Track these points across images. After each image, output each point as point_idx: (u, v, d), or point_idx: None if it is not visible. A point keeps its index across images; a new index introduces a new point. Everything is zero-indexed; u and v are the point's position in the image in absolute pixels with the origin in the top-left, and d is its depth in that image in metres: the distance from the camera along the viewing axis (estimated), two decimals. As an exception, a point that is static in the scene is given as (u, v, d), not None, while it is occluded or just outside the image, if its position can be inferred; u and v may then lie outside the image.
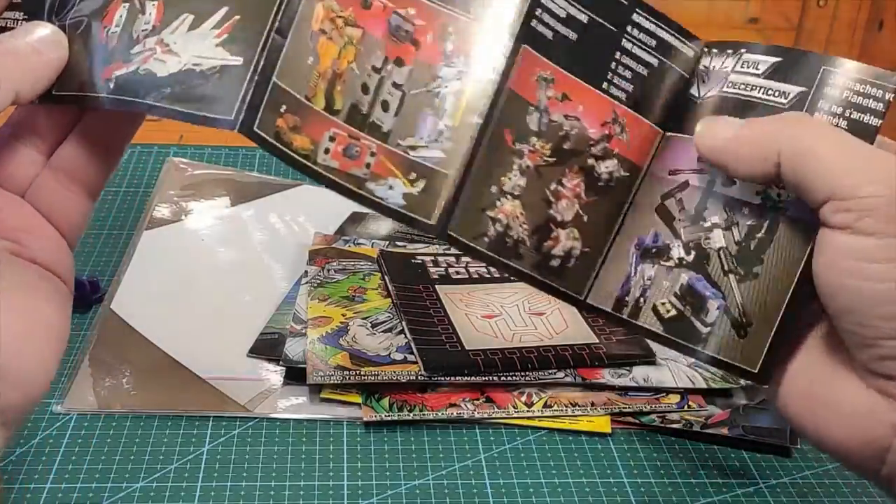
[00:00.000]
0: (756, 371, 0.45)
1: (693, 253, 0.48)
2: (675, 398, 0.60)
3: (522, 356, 0.62)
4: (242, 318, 0.66)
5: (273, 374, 0.61)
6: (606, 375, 0.61)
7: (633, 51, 0.51)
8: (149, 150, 0.88)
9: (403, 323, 0.65)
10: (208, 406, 0.59)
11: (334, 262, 0.72)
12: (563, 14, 0.50)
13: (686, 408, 0.60)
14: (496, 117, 0.50)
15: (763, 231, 0.47)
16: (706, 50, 0.51)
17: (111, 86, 0.48)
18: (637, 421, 0.59)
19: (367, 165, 0.49)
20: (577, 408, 0.59)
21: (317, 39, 0.49)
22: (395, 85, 0.50)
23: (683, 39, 0.51)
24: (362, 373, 0.60)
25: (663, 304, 0.48)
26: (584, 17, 0.51)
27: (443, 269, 0.71)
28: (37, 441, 0.55)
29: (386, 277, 0.70)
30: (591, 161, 0.51)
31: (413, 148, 0.49)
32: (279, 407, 0.59)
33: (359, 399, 0.59)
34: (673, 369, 0.62)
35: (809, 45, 1.39)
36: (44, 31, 0.46)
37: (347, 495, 0.52)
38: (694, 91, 0.51)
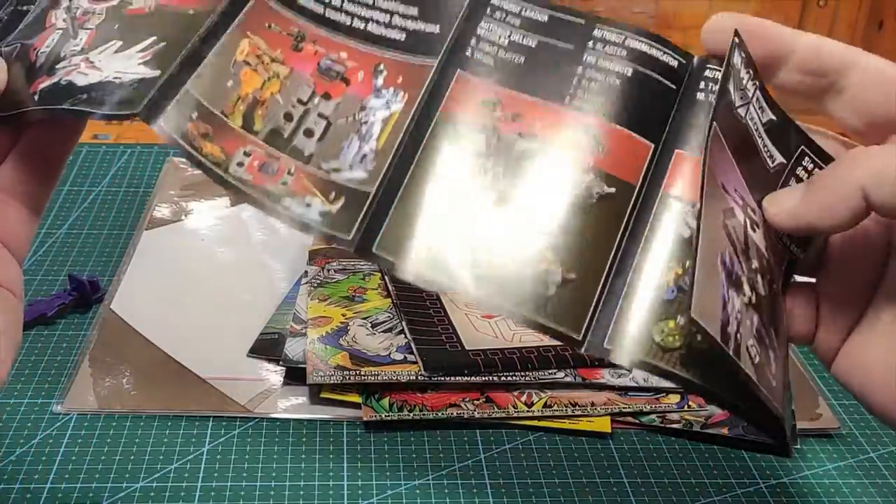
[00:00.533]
0: None
1: (753, 292, 0.43)
2: (675, 398, 0.60)
3: (522, 356, 0.62)
4: (242, 318, 0.66)
5: (273, 374, 0.61)
6: (606, 375, 0.61)
7: (599, 63, 0.49)
8: (149, 150, 0.88)
9: (403, 323, 0.65)
10: (208, 406, 0.59)
11: (334, 262, 0.72)
12: (504, 41, 0.50)
13: (686, 408, 0.60)
14: (427, 140, 0.49)
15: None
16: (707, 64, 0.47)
17: (36, 98, 0.48)
18: (637, 421, 0.59)
19: (284, 183, 0.48)
20: (577, 408, 0.59)
21: (240, 68, 0.50)
22: (321, 115, 0.50)
23: (662, 48, 0.49)
24: (362, 373, 0.60)
25: (751, 346, 0.42)
26: (532, 42, 0.50)
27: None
28: (37, 441, 0.55)
29: (386, 277, 0.70)
30: None
31: (336, 170, 0.49)
32: (279, 407, 0.59)
33: (359, 399, 0.59)
34: (673, 369, 0.62)
35: (809, 45, 1.39)
36: None
37: (347, 495, 0.52)
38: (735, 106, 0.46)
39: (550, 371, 0.61)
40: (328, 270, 0.71)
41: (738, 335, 0.41)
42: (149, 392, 0.59)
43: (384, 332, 0.64)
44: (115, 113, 0.47)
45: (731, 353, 0.40)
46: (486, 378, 0.60)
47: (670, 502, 0.53)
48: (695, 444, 0.58)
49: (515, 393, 0.60)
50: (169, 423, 0.57)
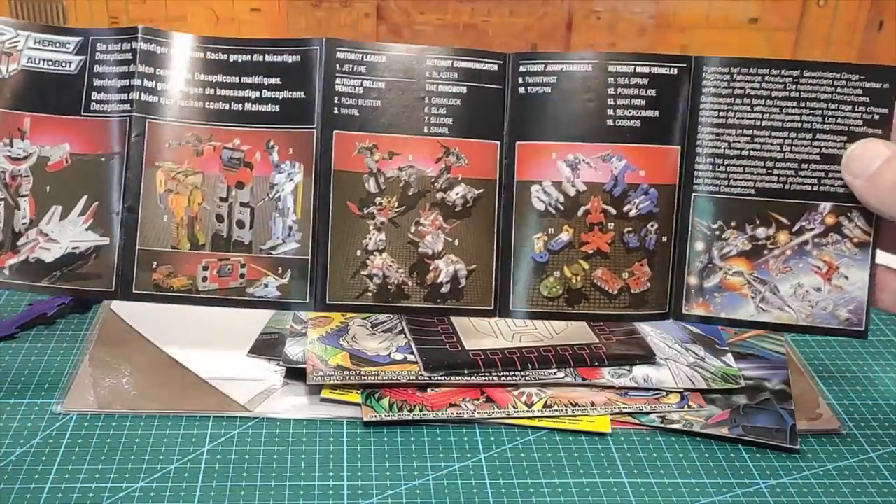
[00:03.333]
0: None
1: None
2: (675, 398, 0.60)
3: (522, 356, 0.62)
4: (242, 318, 0.66)
5: (273, 374, 0.61)
6: (606, 375, 0.61)
7: (440, 89, 0.58)
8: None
9: (403, 323, 0.65)
10: (208, 406, 0.59)
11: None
12: (360, 90, 0.58)
13: (686, 408, 0.60)
14: (334, 197, 0.58)
15: None
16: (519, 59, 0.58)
17: (6, 272, 0.58)
18: (637, 421, 0.59)
19: (242, 276, 0.58)
20: (577, 408, 0.59)
21: (166, 199, 0.58)
22: (243, 204, 0.58)
23: (481, 59, 0.58)
24: (362, 373, 0.60)
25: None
26: (381, 84, 0.58)
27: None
28: (37, 441, 0.55)
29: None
30: (439, 195, 0.58)
31: (274, 248, 0.58)
32: (279, 407, 0.59)
33: (359, 399, 0.59)
34: (673, 369, 0.62)
35: (809, 45, 1.39)
36: None
37: (347, 495, 0.52)
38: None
39: (550, 371, 0.61)
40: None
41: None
42: (149, 392, 0.59)
43: (384, 332, 0.64)
44: (96, 293, 0.58)
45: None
46: (486, 378, 0.60)
47: (670, 502, 0.53)
48: (695, 444, 0.58)
49: (515, 393, 0.60)
50: (169, 423, 0.57)
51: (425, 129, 0.58)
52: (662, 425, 0.59)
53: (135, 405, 0.58)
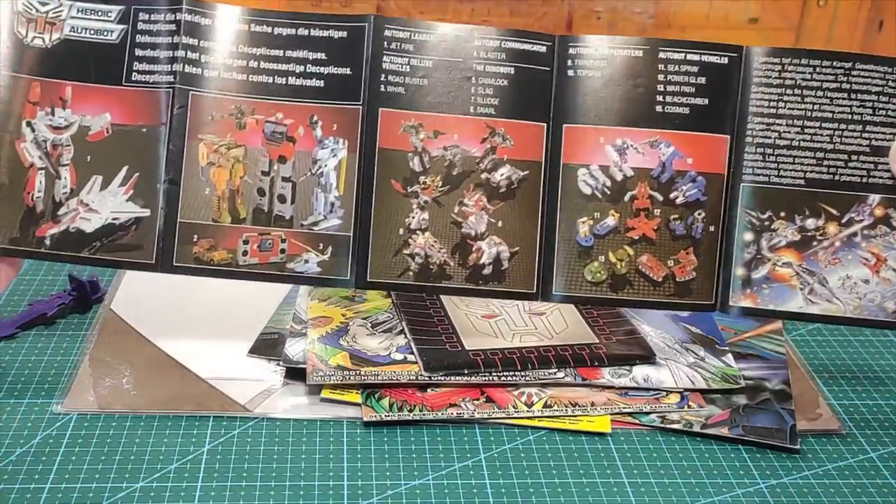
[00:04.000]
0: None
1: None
2: (675, 398, 0.60)
3: (522, 356, 0.62)
4: (242, 318, 0.66)
5: (273, 374, 0.61)
6: (606, 375, 0.61)
7: (488, 69, 0.58)
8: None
9: (403, 323, 0.65)
10: (208, 406, 0.59)
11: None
12: (406, 69, 0.58)
13: (686, 408, 0.60)
14: (378, 175, 0.58)
15: None
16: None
17: (47, 242, 0.57)
18: (637, 421, 0.59)
19: (282, 251, 0.58)
20: (577, 408, 0.59)
21: (208, 172, 0.58)
22: (285, 178, 0.58)
23: (530, 40, 0.58)
24: (362, 373, 0.60)
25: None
26: (428, 63, 0.58)
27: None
28: (37, 441, 0.55)
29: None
30: (484, 175, 0.58)
31: (315, 224, 0.58)
32: (279, 407, 0.59)
33: (359, 399, 0.59)
34: (673, 369, 0.62)
35: (810, 45, 1.39)
36: None
37: (347, 495, 0.52)
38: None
39: (550, 371, 0.61)
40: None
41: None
42: (149, 392, 0.59)
43: (384, 332, 0.64)
44: (136, 265, 0.58)
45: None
46: (486, 378, 0.60)
47: (670, 502, 0.53)
48: (695, 444, 0.58)
49: (515, 393, 0.60)
50: (169, 423, 0.57)
51: (471, 110, 0.58)
52: (662, 425, 0.59)
53: (135, 405, 0.58)
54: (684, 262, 0.58)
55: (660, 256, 0.58)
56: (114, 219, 0.57)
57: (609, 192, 0.58)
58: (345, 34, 0.57)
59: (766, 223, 0.58)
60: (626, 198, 0.58)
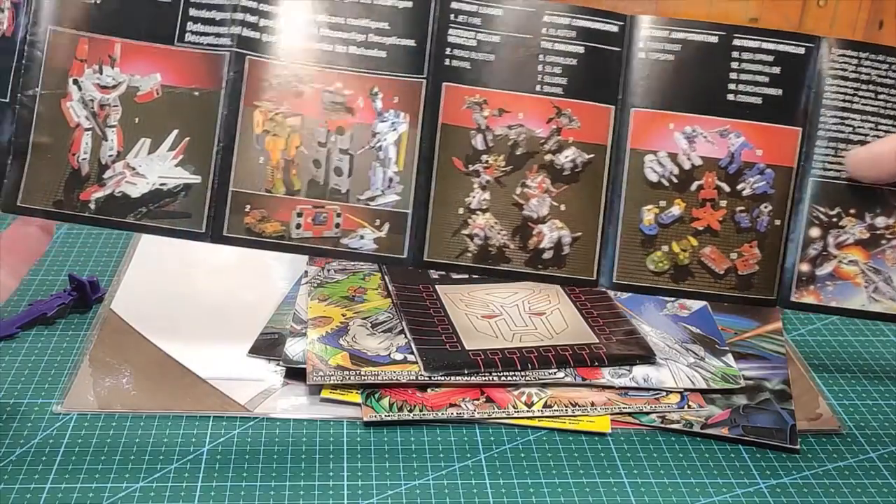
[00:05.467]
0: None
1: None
2: (675, 398, 0.60)
3: (522, 356, 0.62)
4: (242, 318, 0.66)
5: (273, 374, 0.61)
6: (606, 375, 0.61)
7: (556, 48, 0.56)
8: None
9: (403, 323, 0.65)
10: (208, 406, 0.59)
11: (334, 262, 0.72)
12: (473, 43, 0.56)
13: (686, 408, 0.60)
14: (439, 152, 0.56)
15: None
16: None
17: (92, 206, 0.55)
18: (637, 421, 0.59)
19: (337, 225, 0.56)
20: (577, 408, 0.59)
21: (263, 140, 0.55)
22: (342, 151, 0.56)
23: (602, 19, 0.56)
24: (362, 373, 0.60)
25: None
26: (496, 38, 0.56)
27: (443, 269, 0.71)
28: (37, 441, 0.55)
29: (386, 277, 0.70)
30: (548, 157, 0.56)
31: (372, 199, 0.56)
32: (279, 407, 0.59)
33: (359, 399, 0.59)
34: (673, 369, 0.62)
35: (809, 45, 1.39)
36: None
37: (347, 495, 0.52)
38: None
39: (550, 371, 0.61)
40: (328, 270, 0.71)
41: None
42: (149, 392, 0.59)
43: (384, 332, 0.64)
44: (185, 233, 0.55)
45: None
46: (486, 378, 0.60)
47: (670, 502, 0.53)
48: (695, 444, 0.58)
49: (515, 393, 0.60)
50: (169, 423, 0.57)
51: (538, 88, 0.56)
52: (662, 425, 0.59)
53: (135, 405, 0.58)
54: (748, 255, 0.58)
55: (723, 249, 0.58)
56: (161, 184, 0.55)
57: (676, 181, 0.57)
58: (410, 4, 0.55)
59: (835, 220, 0.57)
60: (693, 187, 0.57)
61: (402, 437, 0.57)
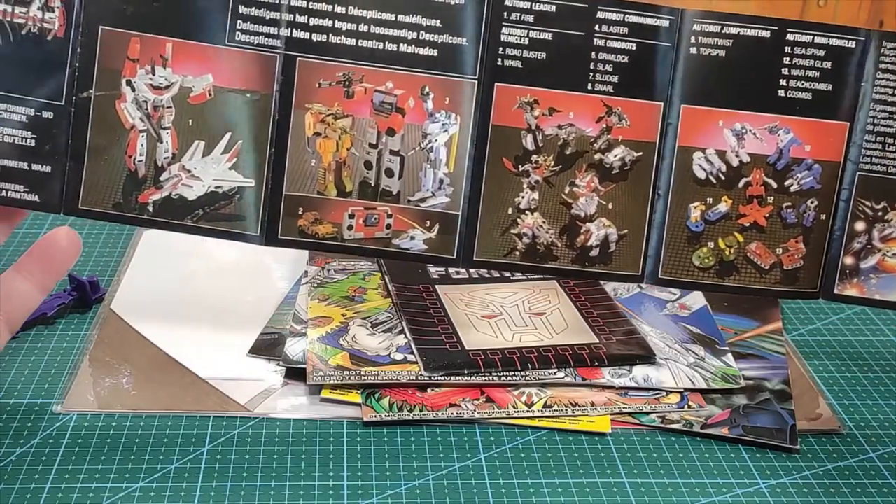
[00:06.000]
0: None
1: None
2: (675, 398, 0.60)
3: (522, 356, 0.62)
4: (242, 318, 0.66)
5: (273, 374, 0.61)
6: (606, 375, 0.61)
7: (608, 45, 0.55)
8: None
9: (403, 323, 0.64)
10: (208, 406, 0.59)
11: (334, 262, 0.72)
12: (525, 41, 0.55)
13: (686, 408, 0.60)
14: (489, 153, 0.56)
15: None
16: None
17: (150, 209, 0.56)
18: (637, 421, 0.59)
19: (388, 226, 0.56)
20: (577, 408, 0.59)
21: (314, 143, 0.56)
22: (393, 152, 0.56)
23: (654, 14, 0.55)
24: (362, 373, 0.60)
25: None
26: (548, 35, 0.55)
27: (443, 268, 0.71)
28: (37, 441, 0.55)
29: (386, 277, 0.70)
30: (597, 156, 0.57)
31: (422, 200, 0.56)
32: (279, 407, 0.59)
33: (359, 399, 0.59)
34: (673, 369, 0.62)
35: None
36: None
37: (347, 495, 0.52)
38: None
39: (550, 371, 0.61)
40: (328, 270, 0.71)
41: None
42: (149, 392, 0.59)
43: (384, 332, 0.64)
44: (240, 236, 0.56)
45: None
46: (486, 378, 0.60)
47: (670, 502, 0.53)
48: (695, 444, 0.58)
49: (515, 393, 0.60)
50: (169, 423, 0.57)
51: (589, 87, 0.56)
52: (662, 425, 0.59)
53: (135, 405, 0.58)
54: (793, 250, 0.58)
55: (769, 244, 0.58)
56: (216, 187, 0.55)
57: (724, 178, 0.57)
58: (462, 1, 0.54)
59: (880, 213, 0.57)
60: (741, 184, 0.57)
61: (402, 437, 0.57)
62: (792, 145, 0.57)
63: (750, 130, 0.57)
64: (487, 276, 0.71)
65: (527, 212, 0.57)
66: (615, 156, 0.56)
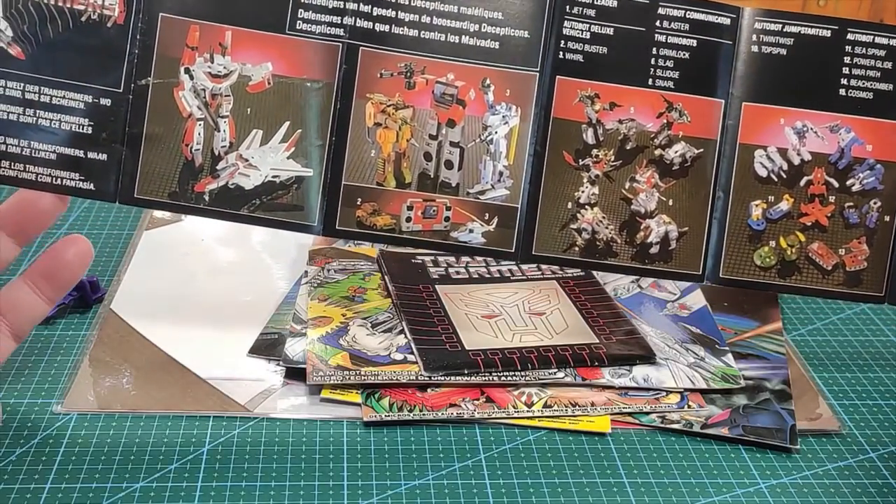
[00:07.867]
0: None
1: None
2: (675, 398, 0.60)
3: (522, 356, 0.62)
4: (242, 318, 0.66)
5: (273, 374, 0.61)
6: (606, 375, 0.61)
7: (669, 41, 0.56)
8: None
9: (403, 323, 0.65)
10: (208, 406, 0.59)
11: (334, 262, 0.72)
12: (587, 35, 0.56)
13: (686, 408, 0.60)
14: (550, 146, 0.56)
15: None
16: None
17: (206, 198, 0.55)
18: (637, 421, 0.59)
19: (447, 219, 0.57)
20: (577, 408, 0.59)
21: (375, 133, 0.56)
22: (453, 144, 0.56)
23: (716, 11, 0.56)
24: (362, 373, 0.60)
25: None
26: (609, 30, 0.56)
27: (443, 269, 0.71)
28: (37, 441, 0.55)
29: (386, 277, 0.70)
30: (658, 152, 0.57)
31: (482, 193, 0.56)
32: (279, 407, 0.59)
33: (359, 399, 0.59)
34: (673, 369, 0.62)
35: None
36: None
37: (347, 495, 0.52)
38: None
39: (550, 371, 0.61)
40: (328, 270, 0.71)
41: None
42: (149, 392, 0.59)
43: (384, 332, 0.64)
44: (298, 226, 0.56)
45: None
46: (486, 378, 0.60)
47: (670, 502, 0.53)
48: (695, 444, 0.58)
49: (515, 393, 0.60)
50: (169, 423, 0.57)
51: (649, 82, 0.56)
52: (662, 425, 0.59)
53: (135, 405, 0.58)
54: (856, 251, 0.58)
55: (831, 244, 0.58)
56: (274, 176, 0.55)
57: (785, 176, 0.57)
58: None
59: None
60: (802, 183, 0.57)
61: (402, 437, 0.57)
62: (853, 144, 0.57)
63: (811, 129, 0.57)
64: (487, 276, 0.71)
65: (586, 206, 0.57)
66: (675, 152, 0.57)
